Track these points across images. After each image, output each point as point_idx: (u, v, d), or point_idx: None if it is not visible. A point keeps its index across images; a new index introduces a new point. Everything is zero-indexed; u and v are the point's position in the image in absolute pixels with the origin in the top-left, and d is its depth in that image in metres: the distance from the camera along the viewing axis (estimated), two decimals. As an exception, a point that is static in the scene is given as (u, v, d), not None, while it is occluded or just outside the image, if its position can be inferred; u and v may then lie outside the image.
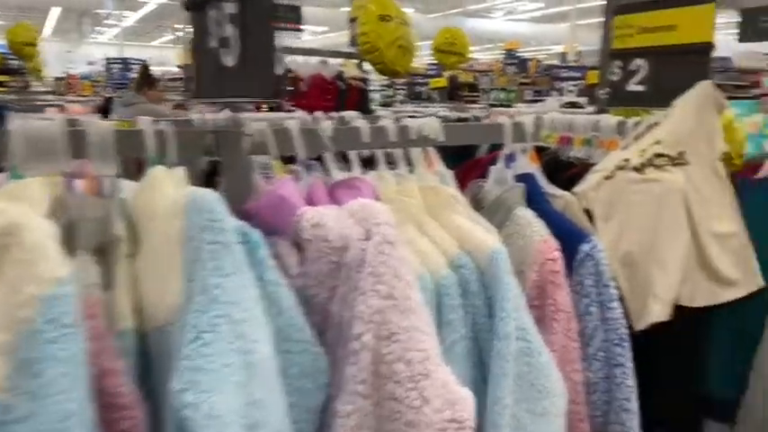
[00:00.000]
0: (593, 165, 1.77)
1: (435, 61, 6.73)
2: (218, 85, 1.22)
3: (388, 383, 0.74)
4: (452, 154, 1.37)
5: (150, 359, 0.75)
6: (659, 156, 1.56)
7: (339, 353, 0.78)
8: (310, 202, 0.92)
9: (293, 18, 8.36)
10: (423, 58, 11.96)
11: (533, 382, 0.93)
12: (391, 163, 1.12)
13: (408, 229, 1.01)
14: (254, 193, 0.93)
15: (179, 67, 11.31)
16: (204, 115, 1.59)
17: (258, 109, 3.50)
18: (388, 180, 1.08)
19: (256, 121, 1.05)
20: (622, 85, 1.85)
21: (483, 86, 11.76)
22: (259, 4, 1.13)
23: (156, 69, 5.87)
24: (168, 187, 0.79)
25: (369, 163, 1.12)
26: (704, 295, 1.47)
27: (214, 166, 1.03)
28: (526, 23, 19.98)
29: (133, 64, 11.84)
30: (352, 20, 3.57)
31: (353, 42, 3.65)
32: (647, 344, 1.48)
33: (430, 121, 1.11)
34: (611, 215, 1.58)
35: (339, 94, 3.44)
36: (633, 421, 1.08)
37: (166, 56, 17.86)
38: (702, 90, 1.55)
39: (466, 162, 1.96)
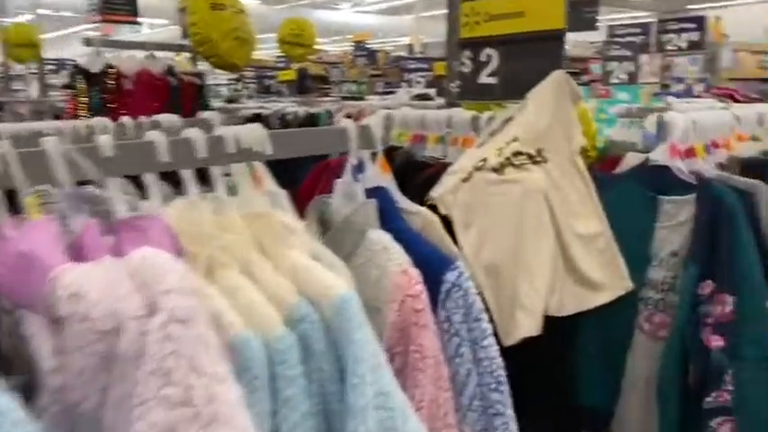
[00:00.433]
0: (449, 164, 1.64)
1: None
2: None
3: None
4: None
5: None
6: (517, 154, 1.44)
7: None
8: (79, 255, 0.64)
9: (128, 10, 7.64)
10: (271, 50, 11.57)
11: (400, 458, 0.73)
12: (207, 182, 0.87)
13: (229, 276, 0.77)
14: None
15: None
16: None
17: (75, 113, 3.04)
18: (201, 209, 0.83)
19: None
20: (473, 76, 1.72)
21: (334, 79, 11.63)
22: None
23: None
24: None
25: (202, 180, 0.87)
26: (573, 302, 1.38)
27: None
28: (373, 15, 20.11)
29: None
30: (182, 9, 3.21)
31: (186, 34, 3.28)
32: (514, 359, 1.36)
33: (252, 129, 0.87)
34: (472, 221, 1.45)
35: (171, 92, 3.07)
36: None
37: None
38: (556, 81, 1.45)
39: (316, 166, 1.74)
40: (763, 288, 1.18)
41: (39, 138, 0.73)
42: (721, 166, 1.38)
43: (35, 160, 0.69)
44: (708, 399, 1.18)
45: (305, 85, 7.49)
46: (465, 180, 1.47)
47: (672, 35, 6.75)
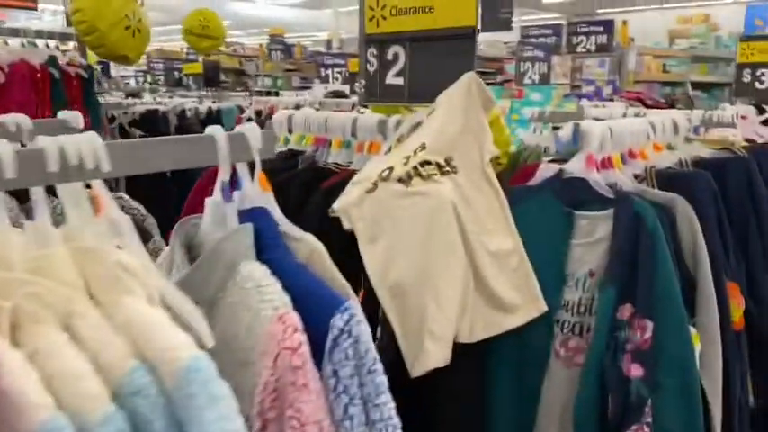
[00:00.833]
0: (355, 172, 1.49)
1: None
2: None
3: None
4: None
5: None
6: (425, 163, 1.30)
7: None
8: None
9: None
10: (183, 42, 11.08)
11: None
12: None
13: (42, 335, 0.59)
14: None
15: None
16: None
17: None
18: (11, 244, 0.64)
19: None
20: (379, 76, 1.58)
21: (249, 72, 11.29)
22: None
23: None
24: None
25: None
26: (485, 326, 1.26)
27: None
28: (291, 9, 19.71)
29: None
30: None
31: (70, 22, 2.96)
32: (420, 391, 1.24)
33: (85, 140, 0.68)
34: (378, 236, 1.31)
35: (53, 85, 2.76)
36: None
37: None
38: (467, 84, 1.32)
39: (205, 174, 1.55)
40: (684, 313, 1.09)
41: None
42: (638, 178, 1.30)
43: None
44: (627, 432, 1.09)
45: (213, 78, 7.15)
46: (370, 191, 1.33)
47: (582, 37, 6.91)
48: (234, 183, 0.85)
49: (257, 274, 0.76)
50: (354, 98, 4.44)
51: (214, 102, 4.70)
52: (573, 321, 1.23)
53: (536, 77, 5.72)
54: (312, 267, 0.82)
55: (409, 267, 1.25)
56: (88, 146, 0.68)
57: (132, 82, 13.25)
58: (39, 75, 2.75)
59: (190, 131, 3.26)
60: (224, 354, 0.66)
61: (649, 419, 1.07)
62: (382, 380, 0.74)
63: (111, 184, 1.41)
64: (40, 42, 3.01)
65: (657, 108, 3.33)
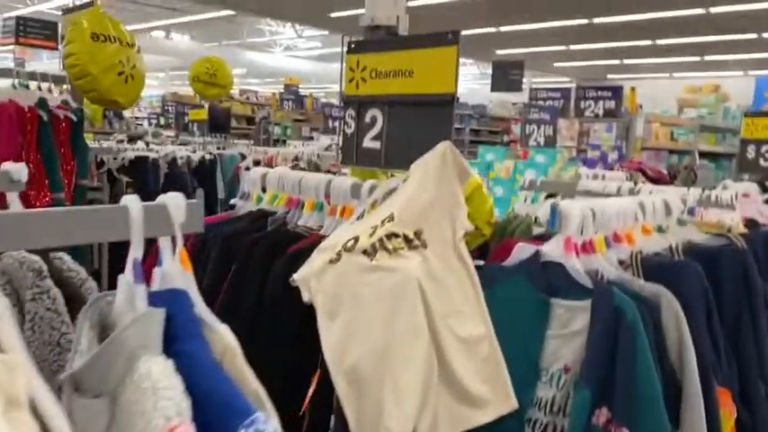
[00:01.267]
0: (324, 237, 1.40)
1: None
2: None
3: None
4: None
5: None
6: (392, 236, 1.21)
7: None
8: None
9: (47, 35, 7.13)
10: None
11: None
12: None
13: None
14: None
15: None
16: None
17: None
18: None
19: None
20: (357, 139, 1.50)
21: (259, 120, 11.41)
22: None
23: None
24: None
25: None
26: (449, 421, 1.13)
27: None
28: (307, 61, 20.10)
29: None
30: (63, 38, 2.88)
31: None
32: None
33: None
34: (337, 312, 1.20)
35: (41, 127, 2.71)
36: None
37: None
38: (441, 153, 1.24)
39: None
40: (666, 422, 0.97)
41: None
42: (623, 264, 1.19)
43: None
44: None
45: (224, 124, 7.18)
46: (333, 261, 1.24)
47: (590, 102, 6.92)
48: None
49: (156, 372, 0.65)
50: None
51: (218, 148, 4.67)
52: (545, 421, 1.10)
53: (541, 140, 5.70)
54: (226, 365, 0.71)
55: (368, 351, 1.14)
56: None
57: (145, 123, 13.42)
58: (27, 116, 2.71)
59: (179, 180, 3.20)
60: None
61: None
62: None
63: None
64: (33, 84, 2.99)
65: (659, 179, 3.25)
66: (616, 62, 16.33)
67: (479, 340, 1.17)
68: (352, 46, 1.47)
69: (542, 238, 1.34)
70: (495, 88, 10.19)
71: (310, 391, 1.32)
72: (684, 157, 6.96)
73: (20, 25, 9.06)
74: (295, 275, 1.26)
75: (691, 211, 1.53)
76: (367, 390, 1.13)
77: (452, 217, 1.23)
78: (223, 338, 0.73)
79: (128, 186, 3.03)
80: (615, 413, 0.99)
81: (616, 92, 6.72)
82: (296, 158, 4.28)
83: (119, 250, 1.22)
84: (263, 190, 1.70)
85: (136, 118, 13.97)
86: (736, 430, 1.10)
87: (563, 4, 10.66)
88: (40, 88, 2.84)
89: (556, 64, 17.03)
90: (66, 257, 1.20)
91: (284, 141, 9.15)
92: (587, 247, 1.15)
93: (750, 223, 1.82)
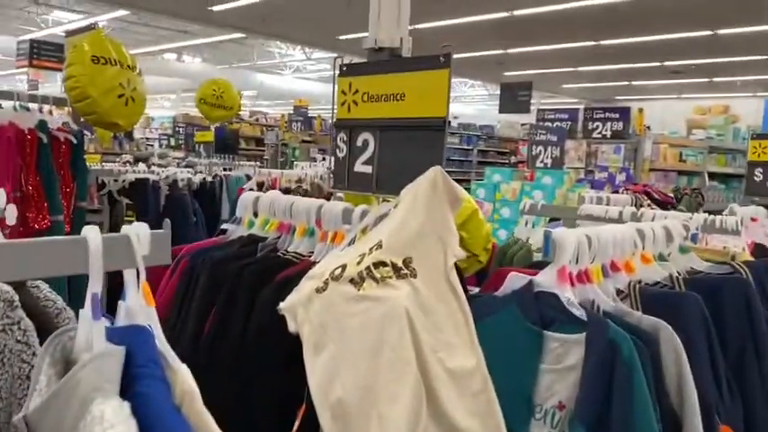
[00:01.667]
0: (314, 263, 1.36)
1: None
2: None
3: None
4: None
5: None
6: (380, 264, 1.16)
7: None
8: None
9: (59, 58, 7.22)
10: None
11: None
12: None
13: None
14: None
15: None
16: None
17: None
18: None
19: None
20: (348, 163, 1.46)
21: (268, 141, 11.47)
22: None
23: None
24: None
25: None
26: (438, 459, 1.08)
27: None
28: (316, 83, 20.24)
29: None
30: (64, 60, 2.89)
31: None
32: None
33: None
34: (324, 344, 1.16)
35: (40, 149, 2.71)
36: None
37: None
38: (432, 178, 1.20)
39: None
40: (665, 465, 0.91)
41: None
42: (621, 294, 1.14)
43: None
44: None
45: (233, 145, 7.20)
46: (320, 290, 1.19)
47: (598, 123, 6.89)
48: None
49: (109, 415, 0.61)
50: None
51: (225, 169, 4.65)
52: (539, 461, 1.05)
53: (548, 161, 5.66)
54: (185, 410, 0.67)
55: (354, 384, 1.09)
56: None
57: (156, 144, 13.51)
58: (27, 138, 2.71)
59: (179, 202, 3.18)
60: None
61: None
62: None
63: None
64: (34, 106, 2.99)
65: (665, 202, 3.19)
66: (624, 83, 16.34)
67: (471, 373, 1.12)
68: (344, 68, 1.45)
69: (543, 265, 1.30)
70: (503, 109, 10.20)
71: (296, 425, 1.27)
72: (694, 178, 6.89)
73: (33, 48, 9.20)
74: (282, 304, 1.22)
75: (693, 238, 1.48)
76: (353, 425, 1.08)
77: (443, 244, 1.19)
78: (183, 381, 0.68)
79: (128, 209, 3.01)
80: (611, 454, 0.94)
81: (624, 113, 6.69)
82: (299, 180, 4.25)
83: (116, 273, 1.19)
84: (255, 215, 1.67)
85: (147, 139, 14.08)
86: (742, 472, 1.04)
87: (571, 26, 10.69)
88: (41, 110, 2.84)
89: (564, 85, 17.06)
90: (44, 286, 1.17)
91: (292, 163, 9.17)
92: (583, 277, 1.10)
93: (757, 248, 1.76)
